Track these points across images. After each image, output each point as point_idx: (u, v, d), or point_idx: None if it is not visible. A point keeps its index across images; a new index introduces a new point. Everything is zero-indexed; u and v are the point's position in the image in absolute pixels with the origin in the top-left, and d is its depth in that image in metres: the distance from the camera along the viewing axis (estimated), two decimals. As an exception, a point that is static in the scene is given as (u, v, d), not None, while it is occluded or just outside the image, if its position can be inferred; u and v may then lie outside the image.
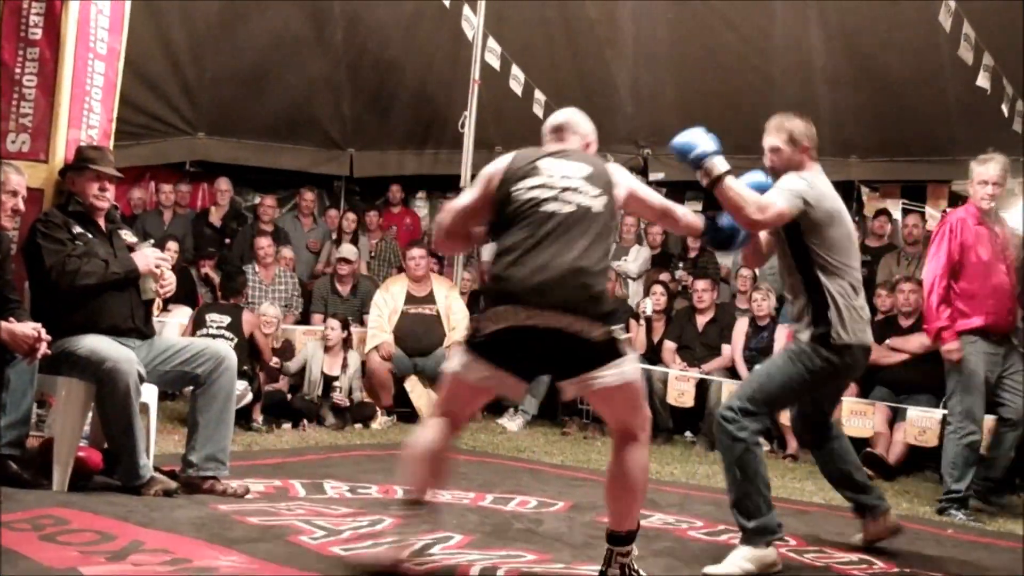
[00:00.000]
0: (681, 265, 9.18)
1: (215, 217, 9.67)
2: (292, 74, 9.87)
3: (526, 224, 3.13)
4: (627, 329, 8.09)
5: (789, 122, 4.00)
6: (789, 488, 5.91)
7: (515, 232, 3.14)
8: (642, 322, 8.16)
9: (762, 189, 3.83)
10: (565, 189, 3.17)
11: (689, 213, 3.73)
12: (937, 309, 5.41)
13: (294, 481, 4.80)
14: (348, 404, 7.28)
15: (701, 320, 7.99)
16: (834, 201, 3.93)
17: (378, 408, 7.46)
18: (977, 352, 5.35)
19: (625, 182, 3.34)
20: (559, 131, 3.54)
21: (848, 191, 9.77)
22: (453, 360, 3.29)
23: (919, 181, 9.52)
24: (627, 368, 3.16)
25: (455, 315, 7.70)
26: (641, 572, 3.28)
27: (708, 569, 3.66)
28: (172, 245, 8.00)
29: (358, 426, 7.24)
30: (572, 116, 3.57)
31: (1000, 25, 7.13)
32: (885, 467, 6.62)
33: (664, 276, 8.64)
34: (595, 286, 3.10)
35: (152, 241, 4.95)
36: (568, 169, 3.23)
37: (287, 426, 6.95)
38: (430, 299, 7.74)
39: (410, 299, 7.72)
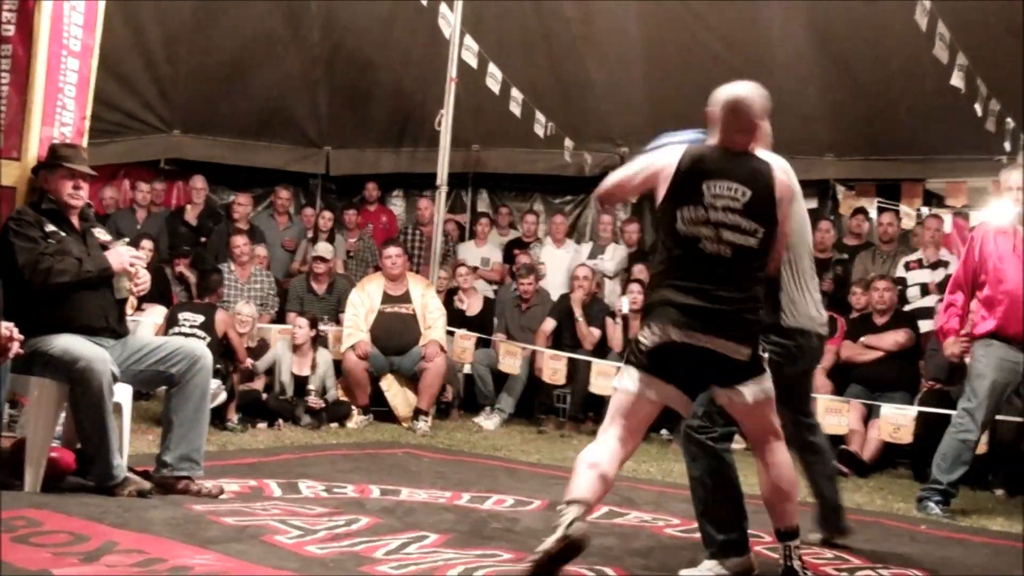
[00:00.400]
0: (657, 263, 9.18)
1: (191, 215, 9.61)
2: (268, 72, 9.83)
3: (688, 258, 3.32)
4: (604, 327, 8.13)
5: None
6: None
7: (678, 259, 3.35)
8: (619, 320, 8.17)
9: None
10: (722, 226, 3.27)
11: None
12: (944, 311, 5.63)
13: (269, 481, 4.77)
14: (323, 406, 7.24)
15: (677, 318, 7.99)
16: None
17: (354, 407, 7.44)
18: (990, 356, 5.34)
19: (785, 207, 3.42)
20: (735, 114, 3.42)
21: (824, 189, 9.85)
22: (625, 379, 3.42)
23: (894, 180, 9.59)
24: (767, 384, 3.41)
25: (431, 314, 7.69)
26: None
27: (683, 572, 3.64)
28: (147, 243, 7.94)
29: (334, 425, 7.22)
30: (749, 94, 3.47)
31: (974, 25, 7.18)
32: (860, 464, 6.67)
33: (643, 275, 8.63)
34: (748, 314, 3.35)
35: (127, 240, 4.91)
36: (731, 194, 3.28)
37: (262, 426, 6.91)
38: (406, 298, 7.72)
39: (386, 298, 7.70)
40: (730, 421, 3.64)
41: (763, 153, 3.49)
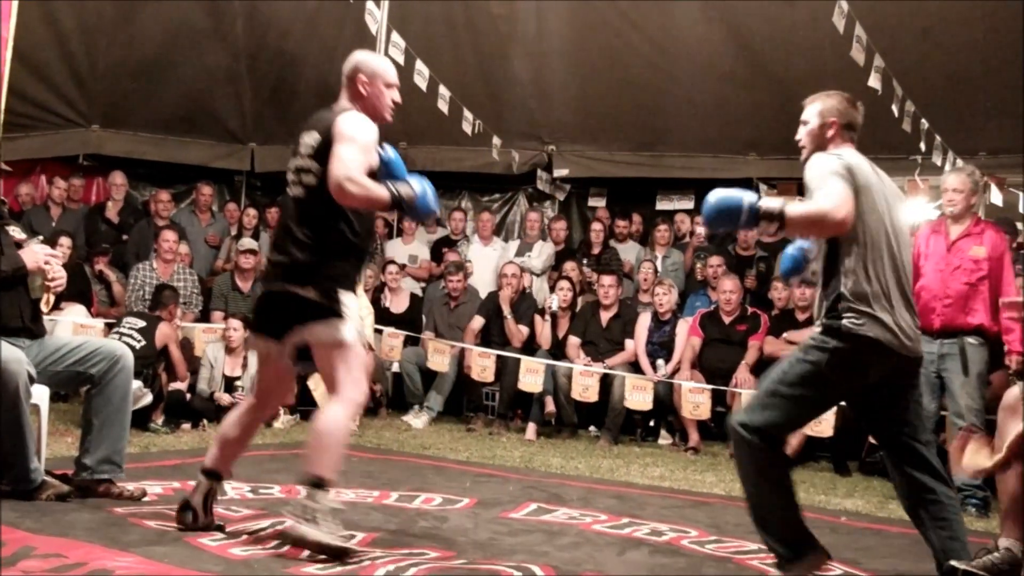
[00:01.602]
0: (585, 261, 9.26)
1: (111, 212, 9.40)
2: (190, 66, 9.65)
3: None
4: (532, 324, 8.16)
5: (824, 98, 3.72)
6: (691, 480, 6.02)
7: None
8: (547, 317, 8.21)
9: (729, 208, 3.36)
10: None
11: None
12: None
13: (193, 482, 4.68)
14: (249, 403, 7.15)
15: (605, 315, 8.08)
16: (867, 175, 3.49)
17: (280, 407, 7.34)
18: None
19: None
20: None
21: (747, 188, 9.98)
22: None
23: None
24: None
25: (359, 311, 7.62)
26: (329, 524, 3.45)
27: None
28: (64, 241, 7.75)
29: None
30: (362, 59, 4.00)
31: (891, 28, 7.35)
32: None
33: (574, 272, 8.69)
34: None
35: (41, 237, 4.78)
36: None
37: (186, 426, 6.80)
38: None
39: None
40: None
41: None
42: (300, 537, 3.39)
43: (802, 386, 3.35)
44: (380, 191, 3.51)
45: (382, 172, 3.65)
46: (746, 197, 3.32)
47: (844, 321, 3.31)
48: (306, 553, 3.43)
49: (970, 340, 5.63)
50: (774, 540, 3.43)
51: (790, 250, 3.96)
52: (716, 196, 3.34)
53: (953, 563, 3.30)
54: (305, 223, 3.63)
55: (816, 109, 3.66)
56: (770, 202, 3.33)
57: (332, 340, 3.57)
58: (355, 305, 3.66)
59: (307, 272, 3.58)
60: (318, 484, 3.44)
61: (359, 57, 3.93)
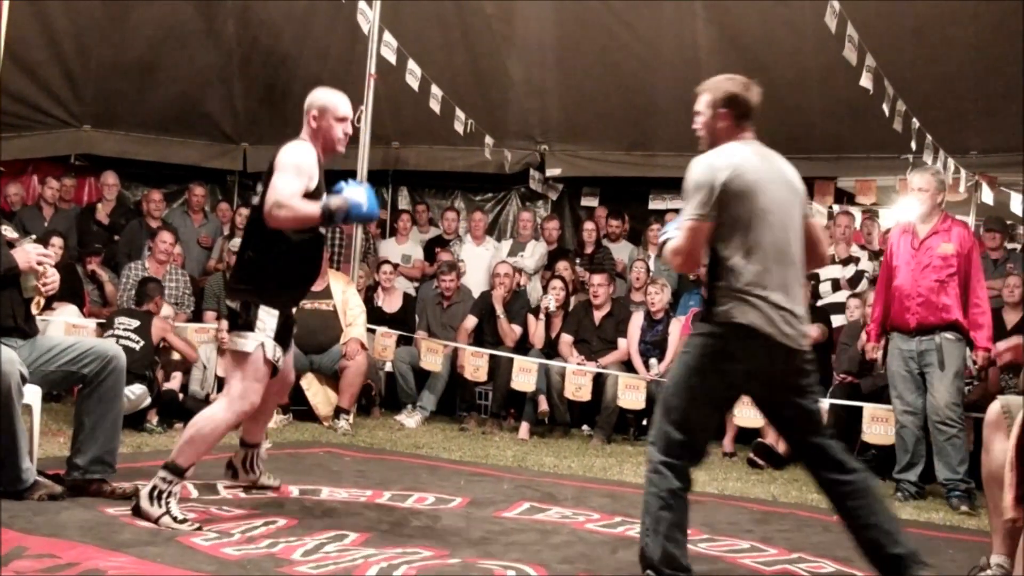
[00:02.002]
0: (578, 260, 9.27)
1: (102, 213, 9.38)
2: (182, 66, 9.64)
3: None
4: (525, 324, 8.16)
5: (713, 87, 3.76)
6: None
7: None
8: (542, 317, 8.21)
9: None
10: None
11: None
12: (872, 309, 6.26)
13: (186, 482, 4.68)
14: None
15: (598, 314, 8.08)
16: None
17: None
18: (890, 348, 5.97)
19: None
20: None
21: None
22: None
23: (806, 178, 9.75)
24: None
25: (352, 311, 7.63)
26: (173, 510, 3.81)
27: None
28: (56, 241, 7.73)
29: (253, 425, 7.12)
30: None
31: (882, 28, 7.37)
32: (775, 456, 6.81)
33: (567, 272, 8.69)
34: None
35: (34, 237, 4.77)
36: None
37: (180, 426, 6.77)
38: (327, 294, 7.64)
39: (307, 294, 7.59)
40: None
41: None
42: (138, 506, 3.85)
43: (688, 380, 3.31)
44: (309, 209, 3.82)
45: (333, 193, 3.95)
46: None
47: (718, 308, 3.27)
48: (299, 552, 3.44)
49: (947, 336, 5.72)
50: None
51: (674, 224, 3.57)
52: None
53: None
54: (248, 240, 4.16)
55: (707, 100, 3.67)
56: (672, 232, 3.39)
57: (237, 349, 4.00)
58: (273, 323, 4.02)
59: (237, 284, 4.14)
60: (174, 469, 3.89)
61: (314, 94, 4.33)
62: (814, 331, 7.25)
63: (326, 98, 4.28)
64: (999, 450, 3.19)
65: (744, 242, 3.28)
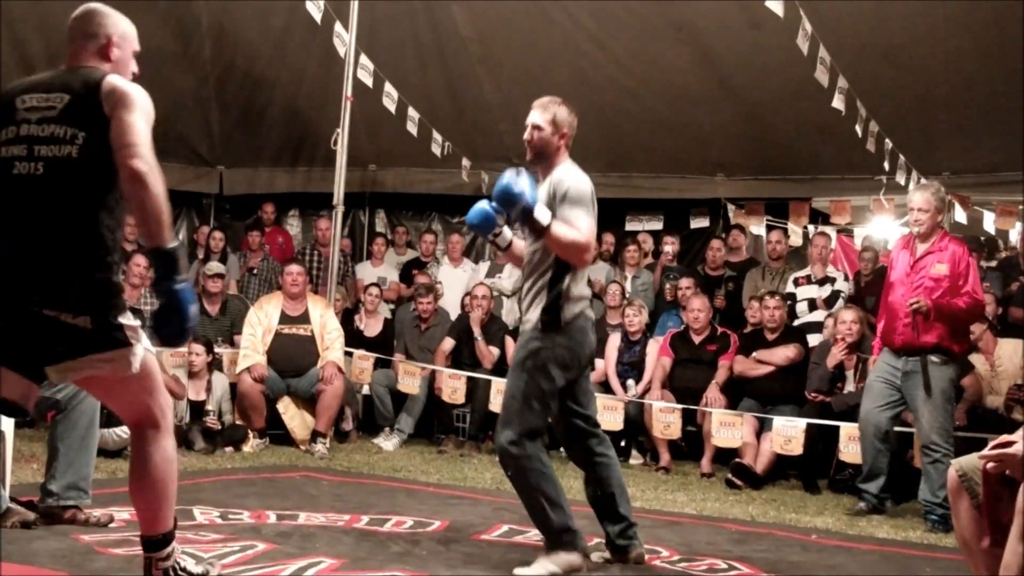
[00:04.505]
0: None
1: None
2: (157, 89, 9.42)
3: None
4: (502, 345, 8.15)
5: (556, 106, 4.14)
6: (662, 500, 6.03)
7: None
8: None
9: (508, 194, 3.65)
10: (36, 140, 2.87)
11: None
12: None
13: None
14: (219, 427, 7.11)
15: (575, 336, 8.06)
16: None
17: (250, 431, 7.30)
18: (877, 363, 5.93)
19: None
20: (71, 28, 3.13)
21: (715, 208, 10.08)
22: None
23: (782, 199, 9.88)
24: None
25: (329, 335, 7.59)
26: (189, 568, 3.12)
27: (517, 571, 3.73)
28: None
29: (229, 449, 7.07)
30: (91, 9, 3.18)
31: (853, 49, 7.45)
32: (753, 476, 6.82)
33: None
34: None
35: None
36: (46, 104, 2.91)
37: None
38: (305, 318, 7.61)
39: (284, 318, 7.58)
40: None
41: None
42: None
43: (540, 381, 3.77)
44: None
45: None
46: (529, 191, 3.66)
47: (565, 314, 3.80)
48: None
49: (932, 358, 5.62)
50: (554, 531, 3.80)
51: (483, 205, 3.84)
52: (508, 174, 3.66)
53: None
54: (54, 214, 2.83)
55: (550, 117, 4.07)
56: (543, 211, 3.70)
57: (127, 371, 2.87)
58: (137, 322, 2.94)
59: (75, 288, 2.79)
60: (169, 538, 3.08)
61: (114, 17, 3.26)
62: (791, 351, 7.31)
63: (125, 22, 3.31)
64: (966, 517, 3.18)
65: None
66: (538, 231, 3.72)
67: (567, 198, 3.79)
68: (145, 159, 2.82)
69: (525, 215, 3.67)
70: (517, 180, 3.64)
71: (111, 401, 3.13)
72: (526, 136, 4.05)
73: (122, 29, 3.22)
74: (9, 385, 2.83)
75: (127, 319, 2.85)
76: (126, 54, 3.23)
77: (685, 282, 8.43)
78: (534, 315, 3.85)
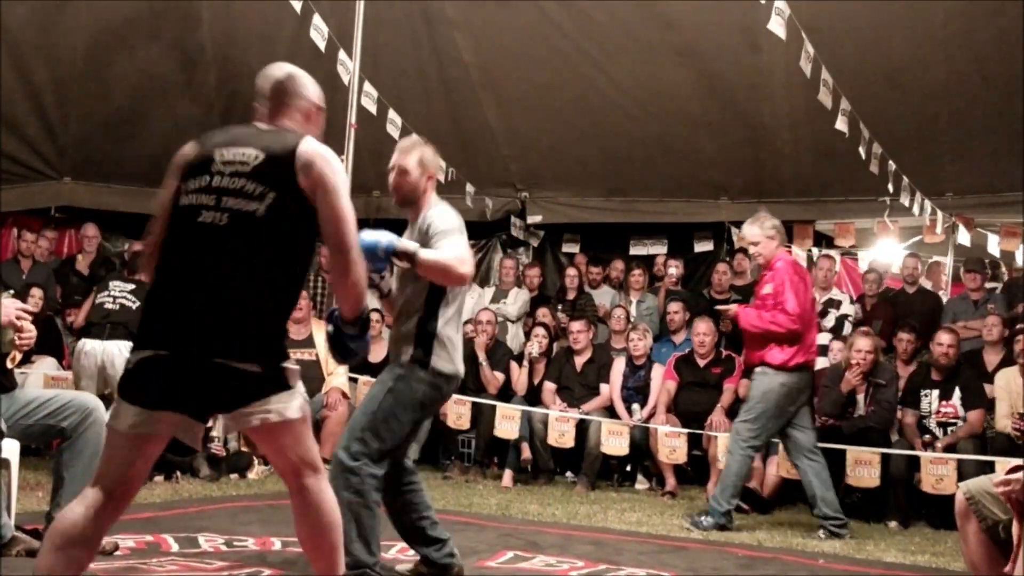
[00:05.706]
0: (559, 306, 9.28)
1: (82, 264, 9.34)
2: (163, 117, 9.66)
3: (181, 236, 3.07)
4: (507, 371, 8.14)
5: (421, 147, 4.12)
6: (668, 525, 6.00)
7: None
8: (525, 363, 8.20)
9: (370, 248, 3.49)
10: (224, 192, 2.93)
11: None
12: None
13: (166, 535, 4.63)
14: (224, 454, 7.10)
15: (579, 360, 8.07)
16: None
17: (255, 457, 7.28)
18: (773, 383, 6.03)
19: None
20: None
21: (719, 232, 10.08)
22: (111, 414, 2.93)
23: (786, 221, 9.87)
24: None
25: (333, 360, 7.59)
26: None
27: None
28: (36, 292, 7.68)
29: (234, 476, 7.06)
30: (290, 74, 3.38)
31: (855, 72, 7.48)
32: (760, 500, 6.78)
33: (547, 318, 8.70)
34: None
35: (12, 291, 4.74)
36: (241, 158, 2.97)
37: (159, 478, 6.71)
38: (309, 343, 7.62)
39: (289, 343, 7.55)
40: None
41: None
42: None
43: (402, 413, 3.80)
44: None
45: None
46: (383, 238, 3.62)
47: (434, 360, 3.80)
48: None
49: (756, 370, 6.07)
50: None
51: (371, 238, 3.58)
52: (366, 233, 3.51)
53: None
54: (232, 265, 2.82)
55: (416, 160, 4.07)
56: (406, 243, 3.67)
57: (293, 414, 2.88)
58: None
59: (247, 337, 2.79)
60: None
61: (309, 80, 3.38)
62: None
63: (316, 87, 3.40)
64: (975, 540, 3.17)
65: (456, 303, 3.92)
66: (409, 259, 3.63)
67: (435, 233, 3.78)
68: (356, 264, 2.90)
69: (391, 253, 3.61)
70: (370, 233, 3.59)
71: (276, 448, 2.95)
72: (391, 180, 4.06)
73: (321, 96, 3.33)
74: (182, 428, 2.85)
75: (290, 363, 2.89)
76: (323, 121, 3.30)
77: (674, 307, 8.45)
78: (405, 357, 3.84)
